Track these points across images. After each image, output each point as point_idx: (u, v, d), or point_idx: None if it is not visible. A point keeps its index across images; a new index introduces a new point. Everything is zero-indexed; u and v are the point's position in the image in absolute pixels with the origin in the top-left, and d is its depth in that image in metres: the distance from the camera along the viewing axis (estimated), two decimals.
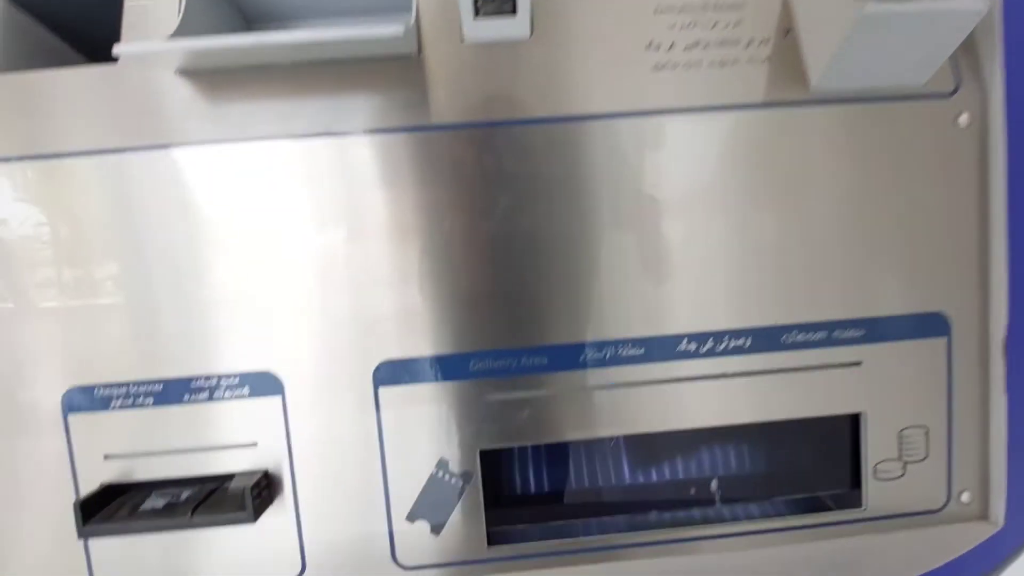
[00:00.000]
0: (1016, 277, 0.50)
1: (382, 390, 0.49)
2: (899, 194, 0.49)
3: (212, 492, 0.49)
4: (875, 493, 0.52)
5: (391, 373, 0.48)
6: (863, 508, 0.52)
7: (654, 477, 0.54)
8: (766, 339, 0.50)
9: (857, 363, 0.50)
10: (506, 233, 0.48)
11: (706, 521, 0.53)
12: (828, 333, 0.50)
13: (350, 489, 0.49)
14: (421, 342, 0.48)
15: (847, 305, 0.50)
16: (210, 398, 0.48)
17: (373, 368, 0.48)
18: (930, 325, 0.51)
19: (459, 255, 0.48)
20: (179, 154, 0.47)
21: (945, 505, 0.53)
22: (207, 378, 0.48)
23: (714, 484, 0.54)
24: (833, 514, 0.52)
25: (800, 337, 0.50)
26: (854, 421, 0.52)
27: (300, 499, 0.49)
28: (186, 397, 0.48)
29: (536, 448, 0.53)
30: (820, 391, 0.50)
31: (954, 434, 0.52)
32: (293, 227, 0.47)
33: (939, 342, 0.51)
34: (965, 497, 0.53)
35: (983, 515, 0.53)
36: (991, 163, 0.49)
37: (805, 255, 0.49)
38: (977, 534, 0.51)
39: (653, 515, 0.54)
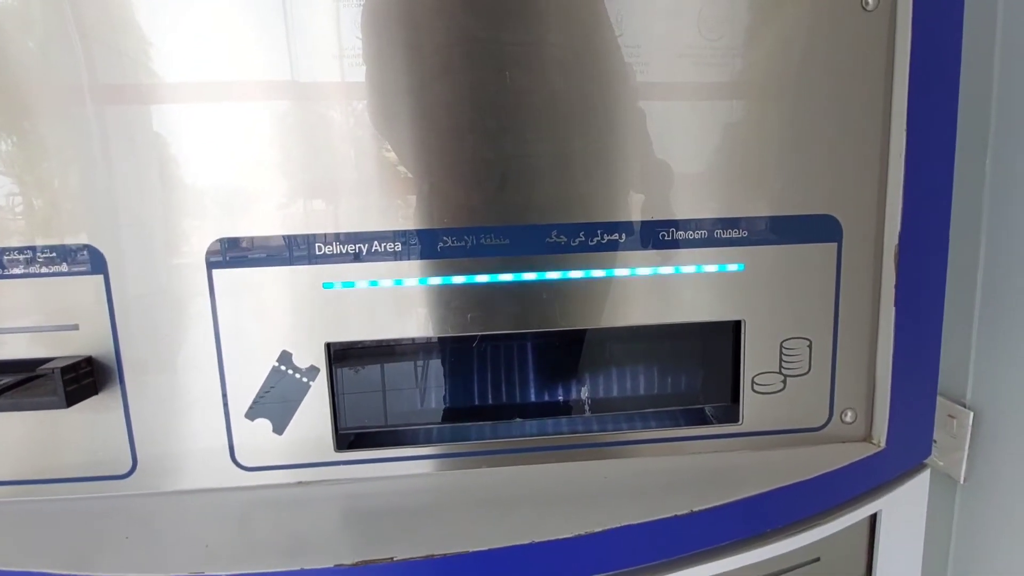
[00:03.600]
0: (912, 179, 0.46)
1: (216, 272, 0.44)
2: (795, 83, 0.45)
3: (34, 378, 0.44)
4: (753, 408, 0.49)
5: (227, 252, 0.44)
6: (739, 423, 0.49)
7: (520, 382, 0.51)
8: (642, 235, 0.46)
9: (739, 267, 0.47)
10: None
11: (581, 430, 0.50)
12: (709, 232, 0.46)
13: (183, 382, 0.45)
14: (262, 221, 0.44)
15: (730, 203, 0.46)
16: (26, 273, 0.44)
17: (207, 246, 0.44)
18: (820, 229, 0.47)
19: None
20: None
21: (827, 423, 0.50)
22: (20, 250, 0.43)
23: (584, 391, 0.50)
24: (707, 428, 0.49)
25: (679, 235, 0.46)
26: (735, 329, 0.48)
27: (128, 391, 0.45)
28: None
29: (391, 344, 0.49)
30: (699, 296, 0.47)
31: (839, 349, 0.49)
32: None
33: (828, 248, 0.47)
34: (848, 416, 0.50)
35: (867, 436, 0.50)
36: (898, 52, 0.45)
37: (684, 148, 0.45)
38: (857, 453, 0.48)
39: (517, 423, 0.50)
